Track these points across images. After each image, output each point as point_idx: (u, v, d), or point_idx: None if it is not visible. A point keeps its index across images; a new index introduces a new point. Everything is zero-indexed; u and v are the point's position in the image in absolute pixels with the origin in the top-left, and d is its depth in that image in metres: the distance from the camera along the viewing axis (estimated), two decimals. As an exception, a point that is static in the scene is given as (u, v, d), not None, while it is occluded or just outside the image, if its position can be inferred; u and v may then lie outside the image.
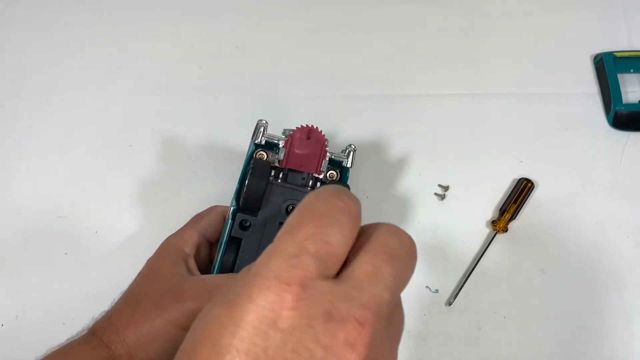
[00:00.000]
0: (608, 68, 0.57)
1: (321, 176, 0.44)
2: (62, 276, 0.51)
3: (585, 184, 0.54)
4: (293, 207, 0.41)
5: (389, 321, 0.21)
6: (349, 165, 0.46)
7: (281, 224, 0.41)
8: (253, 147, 0.45)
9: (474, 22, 0.61)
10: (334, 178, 0.45)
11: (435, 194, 0.54)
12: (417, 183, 0.54)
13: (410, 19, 0.61)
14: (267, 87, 0.58)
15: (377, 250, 0.21)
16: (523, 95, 0.58)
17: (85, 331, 0.39)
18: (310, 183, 0.44)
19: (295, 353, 0.18)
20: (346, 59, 0.60)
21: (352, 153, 0.46)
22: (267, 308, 0.19)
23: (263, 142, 0.44)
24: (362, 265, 0.21)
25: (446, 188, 0.54)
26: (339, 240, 0.21)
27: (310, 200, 0.22)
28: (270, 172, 0.43)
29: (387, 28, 0.61)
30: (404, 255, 0.22)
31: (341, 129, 0.56)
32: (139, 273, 0.41)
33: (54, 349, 0.37)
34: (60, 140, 0.56)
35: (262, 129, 0.44)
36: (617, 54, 0.57)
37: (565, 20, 0.61)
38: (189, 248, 0.42)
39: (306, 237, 0.20)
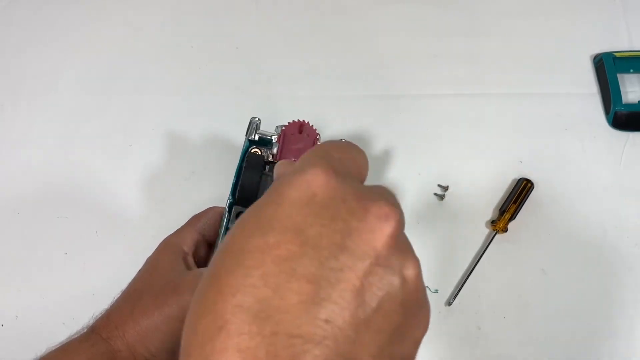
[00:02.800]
0: (608, 68, 0.57)
1: None
2: (62, 276, 0.51)
3: (585, 184, 0.54)
4: None
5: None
6: None
7: None
8: (247, 144, 0.46)
9: (474, 22, 0.61)
10: None
11: (435, 194, 0.54)
12: (417, 183, 0.54)
13: (410, 19, 0.61)
14: (267, 87, 0.58)
15: (379, 186, 0.24)
16: (523, 95, 0.58)
17: (85, 329, 0.39)
18: None
19: (332, 221, 0.20)
20: (346, 59, 0.60)
21: None
22: (304, 187, 0.20)
23: (256, 139, 0.46)
24: (377, 187, 0.23)
25: (446, 188, 0.54)
26: (359, 161, 0.24)
27: (327, 141, 0.25)
28: (264, 166, 0.44)
29: (387, 28, 0.61)
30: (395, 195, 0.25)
31: (341, 128, 0.56)
32: (139, 271, 0.42)
33: (53, 348, 0.38)
34: (60, 140, 0.56)
35: (255, 126, 0.46)
36: (617, 54, 0.57)
37: (565, 20, 0.61)
38: (187, 246, 0.42)
39: (330, 149, 0.23)
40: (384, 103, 0.58)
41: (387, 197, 0.22)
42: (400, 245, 0.21)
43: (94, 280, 0.50)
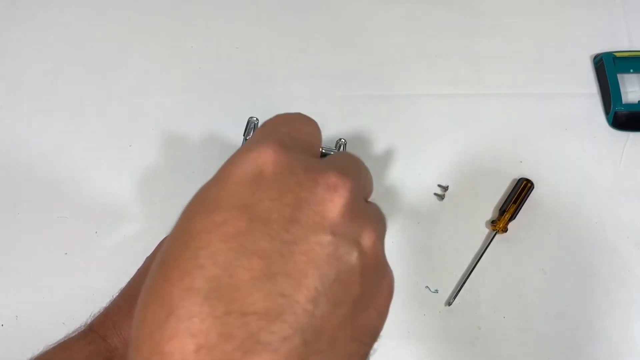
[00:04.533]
0: (608, 68, 0.57)
1: None
2: (62, 276, 0.51)
3: (585, 184, 0.54)
4: None
5: (366, 204, 0.22)
6: None
7: None
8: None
9: (474, 22, 0.61)
10: None
11: (435, 194, 0.54)
12: (417, 183, 0.54)
13: (410, 19, 0.61)
14: (267, 87, 0.58)
15: (340, 155, 0.24)
16: (523, 95, 0.58)
17: (83, 327, 0.39)
18: None
19: (281, 194, 0.19)
20: (346, 58, 0.60)
21: (342, 147, 0.47)
22: (251, 163, 0.20)
23: None
24: (334, 157, 0.23)
25: (446, 188, 0.54)
26: (308, 131, 0.23)
27: (275, 116, 0.24)
28: None
29: (387, 28, 0.61)
30: (362, 163, 0.24)
31: (341, 128, 0.56)
32: (137, 270, 0.42)
33: (51, 346, 0.38)
34: (60, 140, 0.56)
35: (252, 125, 0.46)
36: (617, 54, 0.57)
37: (565, 20, 0.61)
38: None
39: (277, 124, 0.23)
40: (384, 103, 0.58)
41: (339, 167, 0.21)
42: (357, 214, 0.20)
43: (94, 280, 0.50)
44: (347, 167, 0.22)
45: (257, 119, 0.46)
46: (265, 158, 0.20)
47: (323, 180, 0.20)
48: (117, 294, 0.41)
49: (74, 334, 0.38)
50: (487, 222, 0.53)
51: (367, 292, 0.20)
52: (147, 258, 0.43)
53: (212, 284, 0.17)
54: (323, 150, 0.46)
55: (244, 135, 0.46)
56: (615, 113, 0.55)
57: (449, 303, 0.50)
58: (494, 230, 0.51)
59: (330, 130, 0.56)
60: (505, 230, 0.51)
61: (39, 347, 0.39)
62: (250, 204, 0.19)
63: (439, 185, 0.54)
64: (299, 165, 0.20)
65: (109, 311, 0.39)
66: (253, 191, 0.19)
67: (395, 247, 0.52)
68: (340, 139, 0.47)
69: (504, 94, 0.58)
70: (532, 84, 0.58)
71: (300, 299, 0.18)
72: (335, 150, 0.47)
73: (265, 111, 0.45)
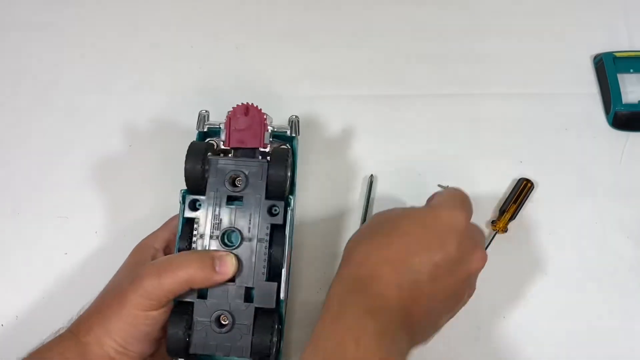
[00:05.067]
0: (608, 68, 0.57)
1: (267, 149, 0.44)
2: (62, 276, 0.51)
3: (585, 184, 0.54)
4: (237, 178, 0.42)
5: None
6: (293, 134, 0.47)
7: (229, 197, 0.42)
8: (198, 137, 0.46)
9: (474, 22, 0.61)
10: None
11: (435, 194, 0.53)
12: (417, 183, 0.54)
13: (410, 19, 0.61)
14: (267, 87, 0.58)
15: (479, 232, 0.45)
16: (523, 95, 0.58)
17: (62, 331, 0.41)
18: (260, 157, 0.44)
19: (459, 244, 0.39)
20: (346, 58, 0.60)
21: (294, 123, 0.47)
22: (453, 218, 0.40)
23: (205, 130, 0.46)
24: (480, 234, 0.45)
25: (446, 188, 0.53)
26: (472, 210, 0.43)
27: (464, 193, 0.44)
28: (206, 152, 0.43)
29: (387, 28, 0.61)
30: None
31: (340, 128, 0.56)
32: (106, 285, 0.44)
33: (32, 351, 0.40)
34: (60, 139, 0.56)
35: (203, 118, 0.46)
36: (617, 54, 0.57)
37: (565, 20, 0.61)
38: (158, 244, 0.44)
39: (467, 202, 0.43)
40: (384, 103, 0.57)
41: (483, 243, 0.44)
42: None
43: (94, 280, 0.50)
44: (483, 240, 0.45)
45: (206, 111, 0.47)
46: (460, 219, 0.39)
47: (477, 251, 0.40)
48: (86, 307, 0.42)
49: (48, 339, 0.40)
50: (487, 222, 0.53)
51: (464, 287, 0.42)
52: (120, 269, 0.44)
53: (399, 260, 0.38)
54: (275, 130, 0.45)
55: (196, 128, 0.46)
56: (615, 113, 0.55)
57: (449, 303, 0.50)
58: (494, 230, 0.51)
59: (331, 130, 0.56)
60: (505, 230, 0.51)
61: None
62: (444, 239, 0.38)
63: (439, 185, 0.54)
64: (470, 233, 0.40)
65: (82, 313, 0.41)
66: (447, 232, 0.39)
67: (395, 247, 0.51)
68: (291, 116, 0.47)
69: (504, 94, 0.58)
70: (532, 84, 0.58)
71: (426, 281, 0.38)
72: (288, 128, 0.46)
73: (265, 111, 0.45)
